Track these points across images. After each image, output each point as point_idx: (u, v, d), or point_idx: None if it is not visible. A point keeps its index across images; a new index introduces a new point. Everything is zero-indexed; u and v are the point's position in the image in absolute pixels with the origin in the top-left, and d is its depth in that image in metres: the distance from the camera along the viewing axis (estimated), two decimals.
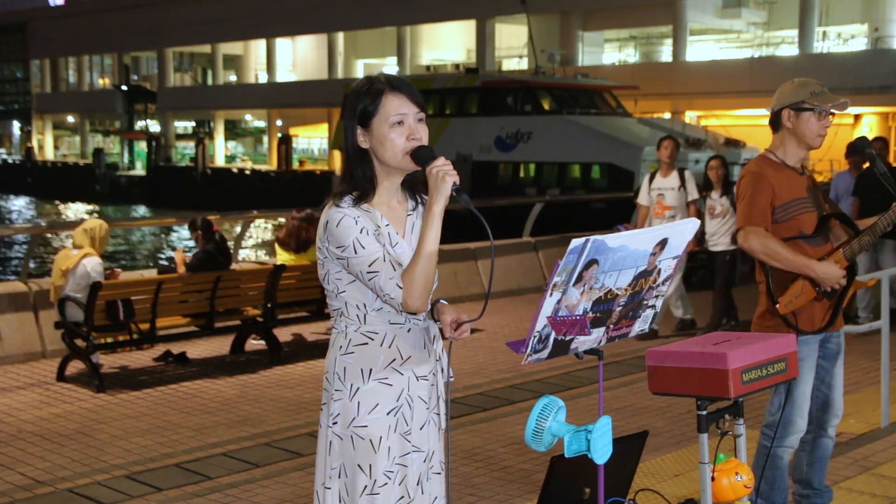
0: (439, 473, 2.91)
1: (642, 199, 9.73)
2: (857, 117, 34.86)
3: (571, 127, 29.00)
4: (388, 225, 2.81)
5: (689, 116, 37.32)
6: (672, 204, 9.48)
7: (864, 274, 8.57)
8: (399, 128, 2.76)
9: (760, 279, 4.17)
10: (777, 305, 4.09)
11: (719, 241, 9.59)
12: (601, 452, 2.86)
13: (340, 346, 2.83)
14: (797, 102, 4.08)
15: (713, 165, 9.65)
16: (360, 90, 2.80)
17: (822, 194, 4.29)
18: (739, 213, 4.17)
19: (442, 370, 2.93)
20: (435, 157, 2.71)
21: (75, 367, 8.09)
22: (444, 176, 2.66)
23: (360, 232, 2.72)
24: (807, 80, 4.14)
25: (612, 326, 2.94)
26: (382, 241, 2.76)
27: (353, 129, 2.80)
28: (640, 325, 3.06)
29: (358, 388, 2.78)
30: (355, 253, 2.71)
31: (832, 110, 4.10)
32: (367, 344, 2.80)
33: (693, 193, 9.51)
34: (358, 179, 2.80)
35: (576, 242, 2.64)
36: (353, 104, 2.80)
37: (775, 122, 4.17)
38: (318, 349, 9.05)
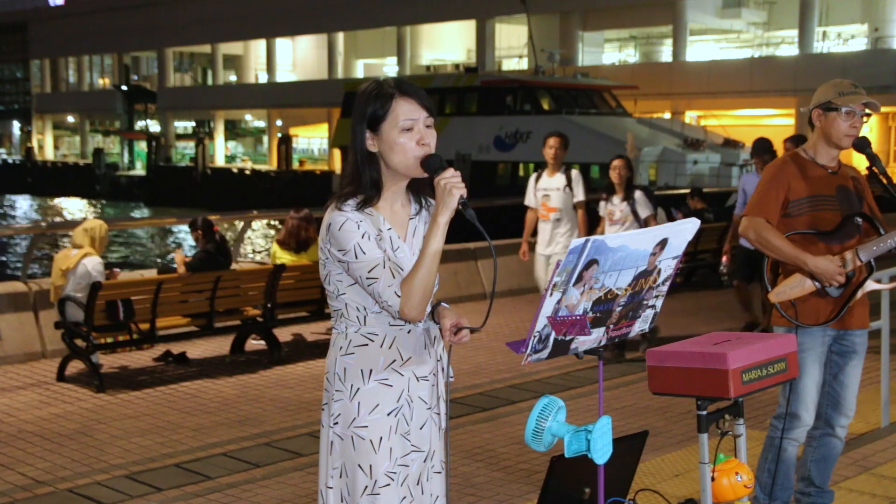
0: (439, 473, 2.92)
1: (528, 200, 8.95)
2: None
3: (570, 127, 29.03)
4: (390, 229, 2.81)
5: (689, 116, 37.34)
6: (557, 206, 8.74)
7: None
8: (408, 133, 2.75)
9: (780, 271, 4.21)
10: (769, 294, 4.14)
11: None
12: (601, 452, 2.86)
13: (341, 347, 2.83)
14: (825, 103, 4.15)
15: (616, 166, 8.63)
16: (370, 93, 2.78)
17: (865, 198, 4.27)
18: (749, 202, 4.25)
19: (442, 370, 2.94)
20: (444, 168, 2.71)
21: (75, 367, 8.09)
22: (452, 189, 2.67)
23: (362, 237, 2.72)
24: (840, 81, 4.21)
25: (612, 326, 2.94)
26: (384, 245, 2.76)
27: (362, 133, 2.79)
28: (641, 325, 3.06)
29: (358, 389, 2.79)
30: (356, 258, 2.72)
31: (866, 111, 4.14)
32: (367, 345, 2.80)
33: (580, 195, 8.74)
34: (365, 183, 2.79)
35: (576, 242, 2.65)
36: (361, 107, 2.79)
37: (810, 122, 4.25)
38: (318, 349, 9.05)
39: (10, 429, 6.55)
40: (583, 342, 2.89)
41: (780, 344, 3.47)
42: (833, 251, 4.10)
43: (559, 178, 8.75)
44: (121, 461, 5.86)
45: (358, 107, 2.81)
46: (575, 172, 8.82)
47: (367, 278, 2.71)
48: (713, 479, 3.35)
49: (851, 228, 4.14)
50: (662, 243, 2.86)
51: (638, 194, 8.62)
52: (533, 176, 8.98)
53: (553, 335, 2.79)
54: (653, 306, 3.04)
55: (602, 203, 8.77)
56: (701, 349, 3.31)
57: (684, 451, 5.74)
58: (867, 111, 4.15)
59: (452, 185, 2.67)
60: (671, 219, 11.93)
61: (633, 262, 2.81)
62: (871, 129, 34.27)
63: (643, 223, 8.47)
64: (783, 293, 4.12)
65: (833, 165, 4.23)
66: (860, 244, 4.10)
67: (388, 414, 2.79)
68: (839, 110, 4.10)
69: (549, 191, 8.76)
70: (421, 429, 2.86)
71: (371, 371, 2.79)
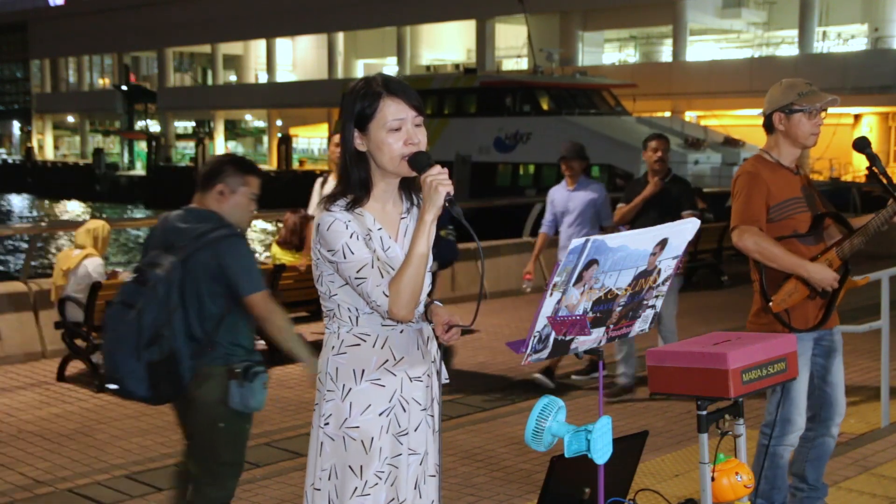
0: (434, 476, 2.90)
1: (312, 209, 7.94)
2: (857, 117, 34.89)
3: (570, 128, 29.01)
4: (380, 229, 2.79)
5: (689, 116, 37.35)
6: None
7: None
8: (396, 133, 2.73)
9: (755, 277, 4.21)
10: (770, 303, 4.12)
11: None
12: (601, 452, 2.86)
13: (333, 347, 2.82)
14: (786, 105, 4.14)
15: None
16: (358, 92, 2.77)
17: (818, 194, 4.32)
18: (734, 212, 4.21)
19: (437, 372, 2.93)
20: (431, 165, 2.70)
21: (75, 367, 8.09)
22: (438, 186, 2.65)
23: (350, 237, 2.71)
24: (794, 81, 4.19)
25: (612, 326, 2.94)
26: (373, 245, 2.75)
27: (351, 132, 2.78)
28: (641, 325, 3.06)
29: (350, 389, 2.77)
30: (344, 258, 2.70)
31: (823, 108, 4.14)
32: (359, 345, 2.79)
33: None
34: (353, 183, 2.79)
35: (576, 242, 2.65)
36: (350, 107, 2.78)
37: (768, 125, 4.23)
38: (318, 349, 9.00)
39: (10, 429, 6.55)
40: (583, 342, 2.89)
41: (780, 344, 3.47)
42: (811, 252, 4.12)
43: None
44: (121, 461, 5.86)
45: (346, 106, 2.79)
46: None
47: (356, 278, 2.70)
48: (713, 479, 3.35)
49: (822, 228, 4.17)
50: (662, 243, 2.86)
51: None
52: (318, 181, 7.90)
53: (553, 335, 2.79)
54: (653, 306, 3.04)
55: None
56: (701, 349, 3.31)
57: (684, 451, 5.74)
58: (824, 108, 4.15)
59: (438, 182, 2.65)
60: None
61: (633, 262, 2.81)
62: (870, 129, 34.29)
63: None
64: (784, 301, 4.13)
65: (793, 167, 4.25)
66: (837, 244, 4.13)
67: (380, 414, 2.78)
68: (804, 111, 4.10)
69: None
70: (416, 431, 2.84)
71: (363, 371, 2.78)
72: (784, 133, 4.17)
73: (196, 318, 3.86)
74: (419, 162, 2.72)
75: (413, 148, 2.74)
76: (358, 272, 2.69)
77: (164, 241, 3.94)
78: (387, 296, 2.66)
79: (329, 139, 8.33)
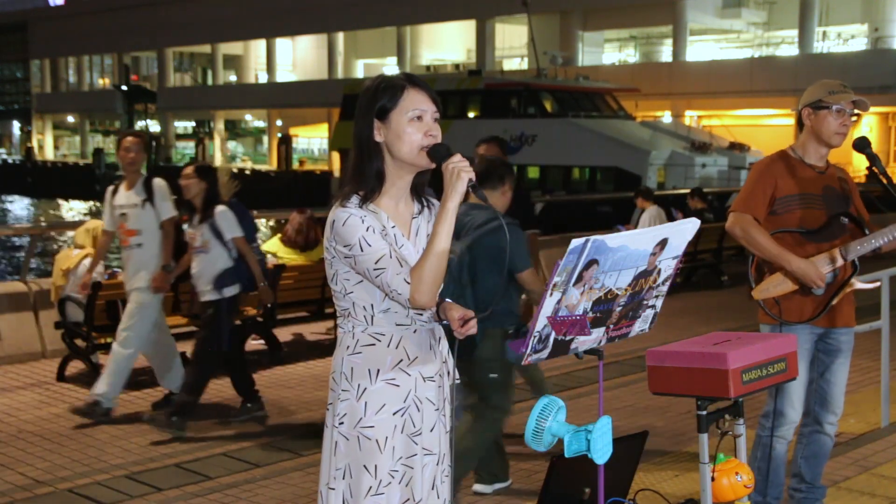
0: (449, 476, 2.91)
1: (105, 222, 7.03)
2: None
3: (576, 130, 29.02)
4: (394, 227, 2.80)
5: (689, 116, 37.37)
6: (137, 227, 6.76)
7: None
8: (417, 123, 2.75)
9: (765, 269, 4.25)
10: (752, 291, 4.18)
11: (204, 288, 6.56)
12: (601, 452, 2.86)
13: (348, 346, 2.82)
14: (815, 101, 4.19)
15: (187, 174, 6.57)
16: (378, 85, 2.80)
17: (855, 198, 4.31)
18: (736, 199, 4.29)
19: (448, 372, 2.93)
20: (451, 155, 2.72)
21: (75, 367, 8.09)
22: (460, 172, 2.67)
23: (367, 230, 2.71)
24: (829, 81, 4.25)
25: (612, 326, 2.94)
26: (388, 241, 2.76)
27: (370, 123, 2.78)
28: (641, 325, 3.06)
29: (365, 389, 2.78)
30: (361, 251, 2.70)
31: (855, 110, 4.17)
32: (374, 345, 2.79)
33: (166, 211, 6.76)
34: (368, 175, 2.78)
35: (576, 242, 2.65)
36: (370, 98, 2.79)
37: (800, 121, 4.29)
38: (318, 349, 9.04)
39: (10, 429, 6.55)
40: (583, 342, 2.89)
41: (780, 344, 3.47)
42: (819, 249, 4.14)
43: (137, 193, 6.82)
44: (121, 461, 5.85)
45: (365, 98, 2.80)
46: (159, 183, 6.83)
47: (375, 269, 2.69)
48: (713, 479, 3.35)
49: (837, 228, 4.18)
50: (662, 243, 2.86)
51: (220, 211, 6.55)
52: (109, 190, 6.99)
53: (553, 335, 2.79)
54: (653, 306, 3.04)
55: (185, 225, 6.98)
56: (701, 349, 3.31)
57: (684, 451, 5.74)
58: (856, 111, 4.18)
59: (461, 168, 2.67)
60: (671, 219, 11.91)
61: (633, 262, 2.81)
62: (871, 129, 34.30)
63: (228, 246, 6.55)
64: (766, 291, 4.17)
65: (821, 165, 4.27)
66: (845, 243, 4.13)
67: (394, 413, 2.78)
68: (829, 108, 4.14)
69: (126, 209, 6.81)
70: (431, 431, 2.85)
71: (378, 371, 2.78)
72: (810, 129, 4.22)
73: (481, 291, 4.70)
74: (439, 153, 2.73)
75: (433, 140, 2.75)
76: (376, 263, 2.69)
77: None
78: (408, 283, 2.66)
79: (127, 144, 7.24)
